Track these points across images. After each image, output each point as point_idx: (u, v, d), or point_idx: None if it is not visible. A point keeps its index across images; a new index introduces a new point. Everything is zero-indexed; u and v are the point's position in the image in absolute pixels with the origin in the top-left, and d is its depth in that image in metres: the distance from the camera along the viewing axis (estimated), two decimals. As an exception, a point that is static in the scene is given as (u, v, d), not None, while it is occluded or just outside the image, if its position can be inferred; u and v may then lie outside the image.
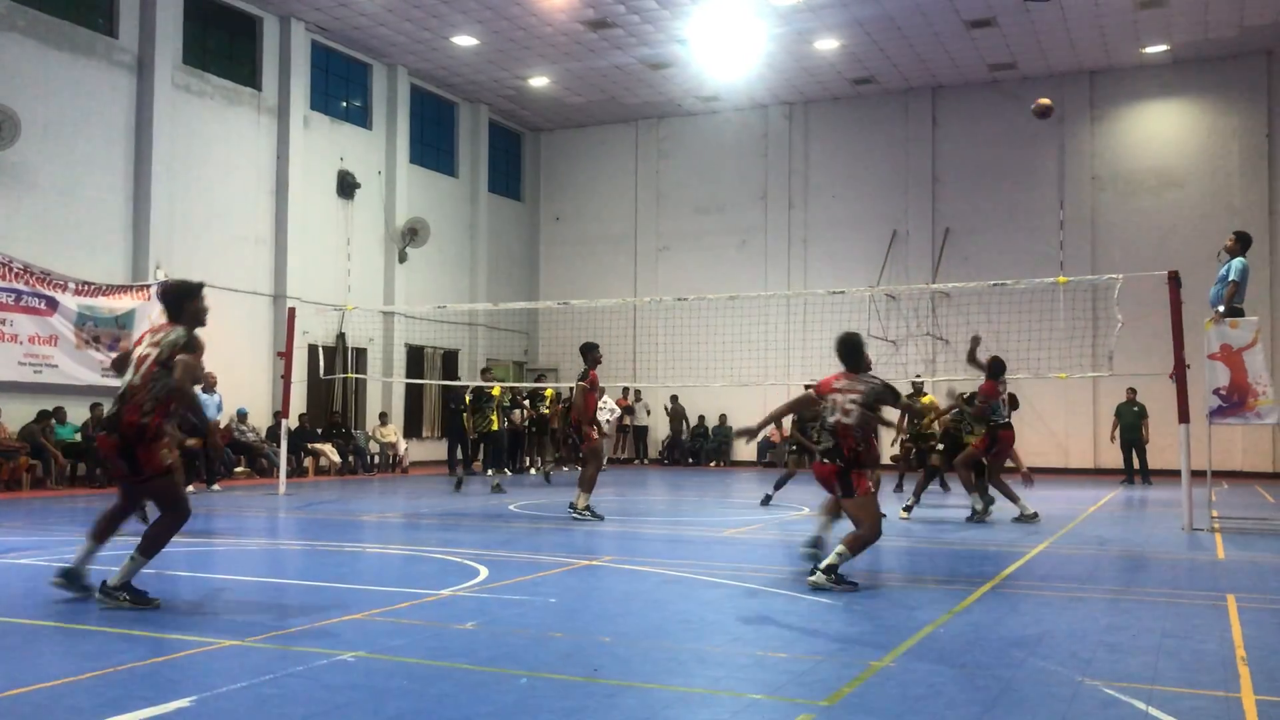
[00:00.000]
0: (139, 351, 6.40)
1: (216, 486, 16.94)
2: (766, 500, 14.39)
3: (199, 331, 6.52)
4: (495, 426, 17.72)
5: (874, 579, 8.28)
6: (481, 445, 19.26)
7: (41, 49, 17.48)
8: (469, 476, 17.58)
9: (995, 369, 12.80)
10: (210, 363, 19.68)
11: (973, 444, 12.86)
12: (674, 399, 27.07)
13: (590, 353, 12.48)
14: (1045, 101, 13.77)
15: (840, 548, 7.25)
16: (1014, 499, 12.53)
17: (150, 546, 6.38)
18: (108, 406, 6.78)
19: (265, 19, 21.57)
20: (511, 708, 4.17)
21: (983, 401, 12.77)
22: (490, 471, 18.26)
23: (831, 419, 7.44)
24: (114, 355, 7.00)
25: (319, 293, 22.24)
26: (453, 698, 4.31)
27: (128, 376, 6.35)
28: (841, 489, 7.37)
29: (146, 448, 6.25)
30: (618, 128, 28.95)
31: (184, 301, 6.52)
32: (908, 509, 13.08)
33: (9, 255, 16.61)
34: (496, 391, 17.83)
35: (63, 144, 17.75)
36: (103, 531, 6.65)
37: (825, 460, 7.40)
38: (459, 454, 20.74)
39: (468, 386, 23.73)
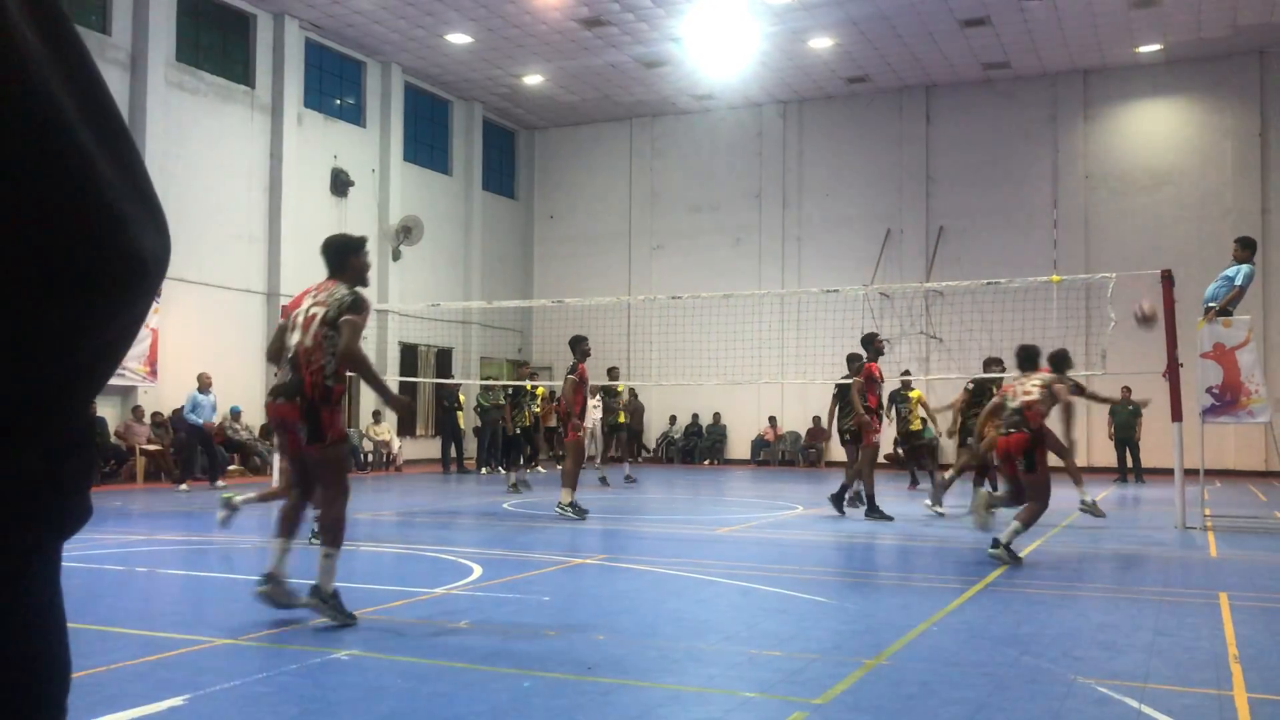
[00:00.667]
0: (303, 312, 6.05)
1: (221, 483, 16.95)
2: (938, 506, 12.96)
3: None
4: (622, 420, 17.77)
5: (867, 577, 8.29)
6: (491, 441, 19.38)
7: (34, 46, 17.42)
8: (516, 472, 17.26)
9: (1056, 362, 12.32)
10: (203, 361, 19.75)
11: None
12: (633, 393, 25.90)
13: (579, 345, 12.41)
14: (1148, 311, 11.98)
15: (1015, 523, 8.45)
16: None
17: (335, 535, 5.92)
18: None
19: (259, 16, 21.52)
20: (505, 706, 4.17)
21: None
22: (504, 469, 18.34)
23: (1016, 403, 9.23)
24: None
25: (313, 291, 22.19)
26: (446, 696, 4.31)
27: (295, 338, 5.99)
28: (1025, 464, 8.87)
29: (331, 411, 5.89)
30: (612, 126, 28.95)
31: (347, 256, 6.24)
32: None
33: (1, 253, 16.56)
34: (541, 391, 17.68)
35: (55, 141, 17.69)
36: (292, 526, 6.24)
37: (1012, 431, 9.06)
38: (498, 452, 21.01)
39: (460, 385, 23.81)
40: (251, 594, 5.89)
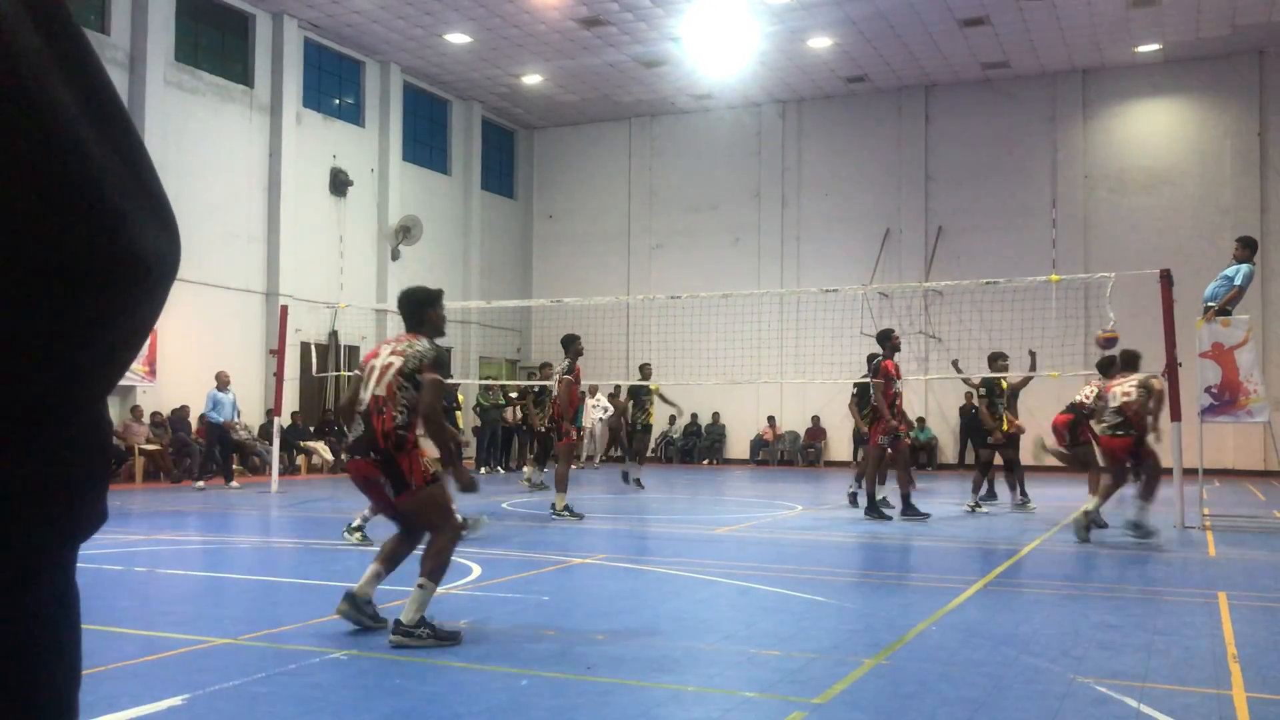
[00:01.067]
0: (379, 362, 5.94)
1: (235, 484, 16.99)
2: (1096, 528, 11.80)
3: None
4: (652, 420, 17.64)
5: (866, 577, 8.30)
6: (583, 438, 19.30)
7: (33, 45, 17.41)
8: (631, 467, 17.20)
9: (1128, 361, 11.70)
10: (203, 360, 19.74)
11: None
12: (616, 389, 25.94)
13: (572, 345, 12.27)
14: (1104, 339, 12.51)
15: (1140, 502, 10.16)
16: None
17: (436, 571, 5.64)
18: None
19: (258, 16, 21.51)
20: (504, 706, 4.17)
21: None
22: (502, 469, 18.33)
23: (1116, 404, 10.34)
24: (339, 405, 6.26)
25: (311, 290, 22.20)
26: (444, 696, 4.31)
27: (369, 390, 5.85)
28: (1133, 458, 10.17)
29: (409, 457, 5.69)
30: (611, 125, 28.94)
31: (425, 309, 6.18)
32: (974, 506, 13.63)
33: (0, 252, 16.55)
34: (655, 386, 17.36)
35: (54, 141, 17.68)
36: (391, 559, 5.98)
37: (1119, 434, 10.27)
38: (497, 451, 20.90)
39: (456, 384, 23.80)
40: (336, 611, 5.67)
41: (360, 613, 5.62)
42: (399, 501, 5.73)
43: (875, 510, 12.15)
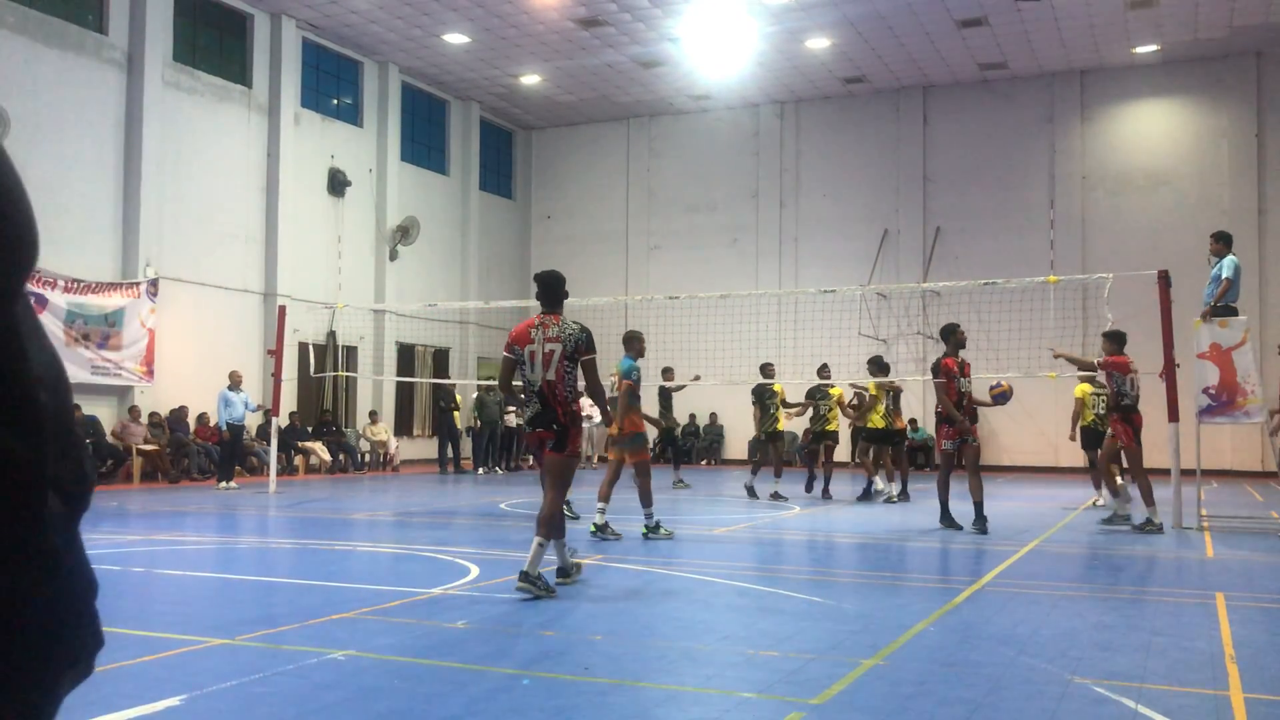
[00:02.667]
0: (539, 349, 6.89)
1: (234, 484, 16.98)
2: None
3: None
4: (781, 425, 15.70)
5: (864, 577, 8.30)
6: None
7: (31, 45, 17.41)
8: (757, 480, 15.90)
9: (1120, 339, 11.59)
10: (200, 361, 19.72)
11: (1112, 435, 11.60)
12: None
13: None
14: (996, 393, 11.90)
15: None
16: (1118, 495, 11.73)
17: (550, 529, 6.84)
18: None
19: (256, 16, 21.50)
20: (503, 706, 4.16)
21: (1112, 379, 11.48)
22: (500, 470, 18.22)
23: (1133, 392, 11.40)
24: (497, 390, 8.11)
25: (309, 291, 22.20)
26: (443, 696, 4.31)
27: (540, 374, 6.86)
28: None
29: (576, 430, 6.97)
30: (609, 126, 28.95)
31: (561, 289, 7.20)
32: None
33: (-2, 252, 16.53)
34: (778, 388, 15.61)
35: (52, 141, 17.68)
36: (559, 528, 7.03)
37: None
38: (495, 452, 20.80)
39: (453, 384, 23.80)
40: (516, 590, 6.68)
41: (535, 586, 6.62)
42: (549, 455, 6.96)
43: (949, 519, 11.18)
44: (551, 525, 6.84)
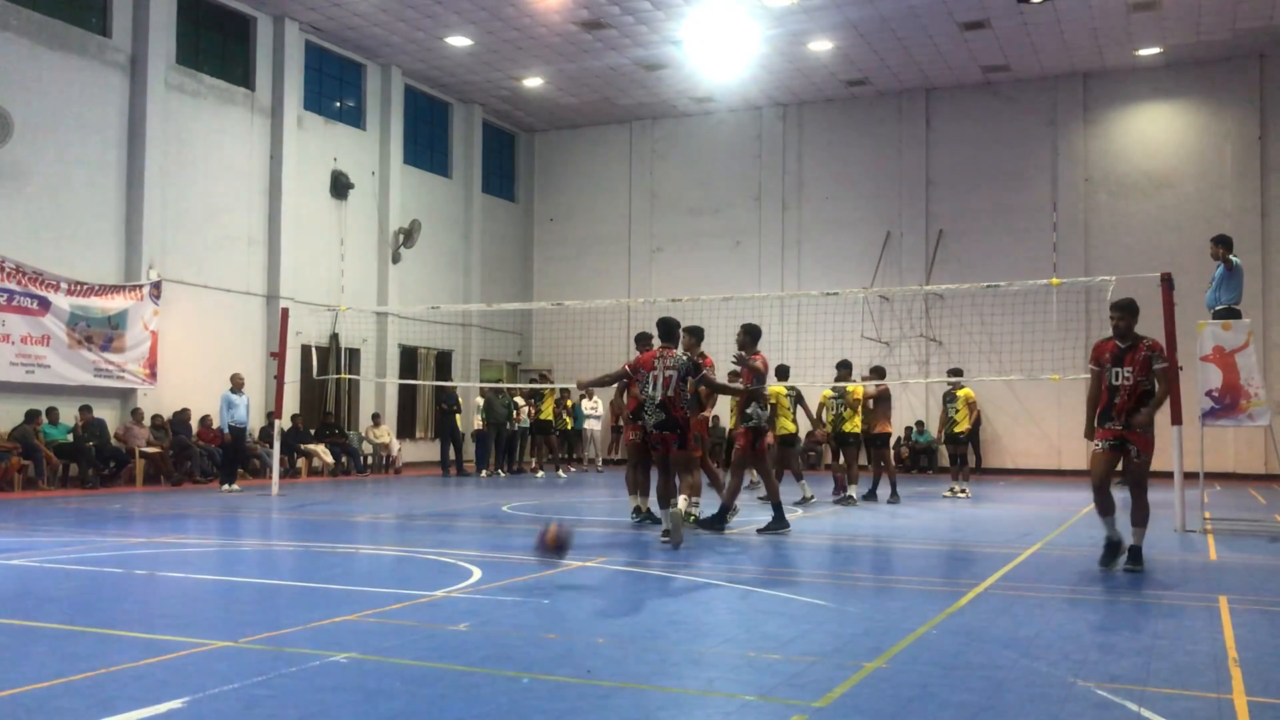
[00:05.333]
0: (661, 374, 9.52)
1: (237, 486, 17.01)
2: None
3: None
4: (858, 427, 15.49)
5: (866, 580, 8.29)
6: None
7: (34, 48, 17.44)
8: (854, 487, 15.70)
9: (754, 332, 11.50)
10: (203, 363, 19.75)
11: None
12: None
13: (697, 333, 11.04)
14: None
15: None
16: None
17: (695, 489, 10.44)
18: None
19: (259, 19, 21.54)
20: (504, 709, 4.16)
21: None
22: (502, 472, 18.12)
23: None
24: (639, 393, 9.92)
25: (312, 293, 22.22)
26: (446, 699, 4.31)
27: (660, 391, 9.50)
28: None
29: (690, 431, 9.74)
30: (612, 129, 28.96)
31: (676, 330, 9.96)
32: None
33: (1, 255, 16.57)
34: (779, 390, 15.25)
35: (55, 143, 17.71)
36: (665, 491, 9.59)
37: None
38: (499, 454, 20.67)
39: (455, 386, 23.81)
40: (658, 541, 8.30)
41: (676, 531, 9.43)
42: (675, 453, 9.62)
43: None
44: (695, 489, 10.64)
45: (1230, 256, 11.93)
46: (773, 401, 14.93)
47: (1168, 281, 12.03)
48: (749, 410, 10.63)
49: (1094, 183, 24.80)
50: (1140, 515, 8.39)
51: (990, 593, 7.22)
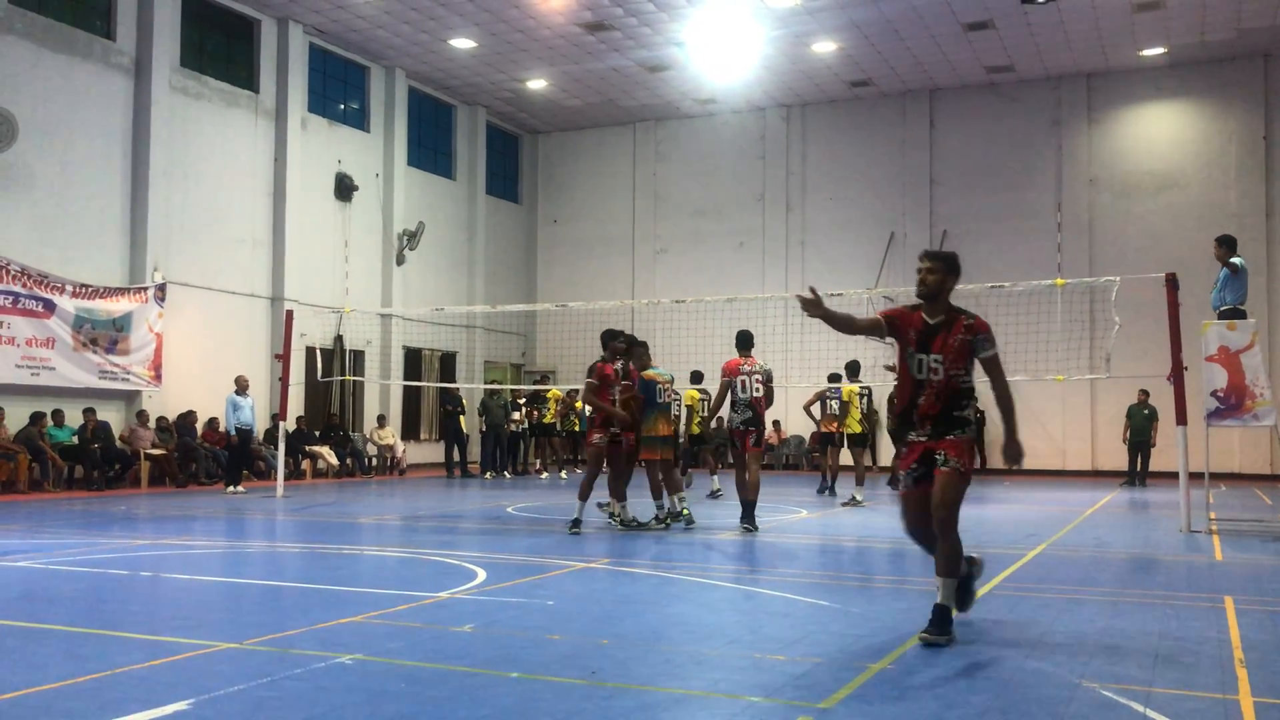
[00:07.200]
0: (749, 379, 11.04)
1: (242, 488, 17.04)
2: None
3: None
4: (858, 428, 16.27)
5: (871, 580, 8.29)
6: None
7: (38, 51, 17.48)
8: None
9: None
10: (208, 365, 19.77)
11: None
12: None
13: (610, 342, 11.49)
14: None
15: None
16: None
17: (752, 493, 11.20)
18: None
19: (263, 21, 21.57)
20: (509, 710, 4.17)
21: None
22: (508, 474, 18.08)
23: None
24: (744, 395, 11.11)
25: (316, 295, 22.24)
26: (451, 700, 4.31)
27: (748, 394, 11.05)
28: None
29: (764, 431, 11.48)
30: (615, 130, 28.97)
31: (752, 340, 11.35)
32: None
33: (6, 258, 16.61)
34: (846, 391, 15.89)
35: (60, 146, 17.75)
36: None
37: None
38: (502, 455, 20.67)
39: (459, 388, 23.82)
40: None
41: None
42: (751, 449, 11.08)
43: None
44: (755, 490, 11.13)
45: (1233, 260, 11.89)
46: (845, 400, 15.83)
47: (1172, 282, 12.02)
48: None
49: (1098, 183, 24.77)
50: (948, 559, 5.66)
51: (995, 593, 7.21)
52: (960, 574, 5.73)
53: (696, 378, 16.89)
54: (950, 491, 5.58)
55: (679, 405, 16.00)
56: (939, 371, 5.72)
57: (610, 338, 11.40)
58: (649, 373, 11.64)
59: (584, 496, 11.11)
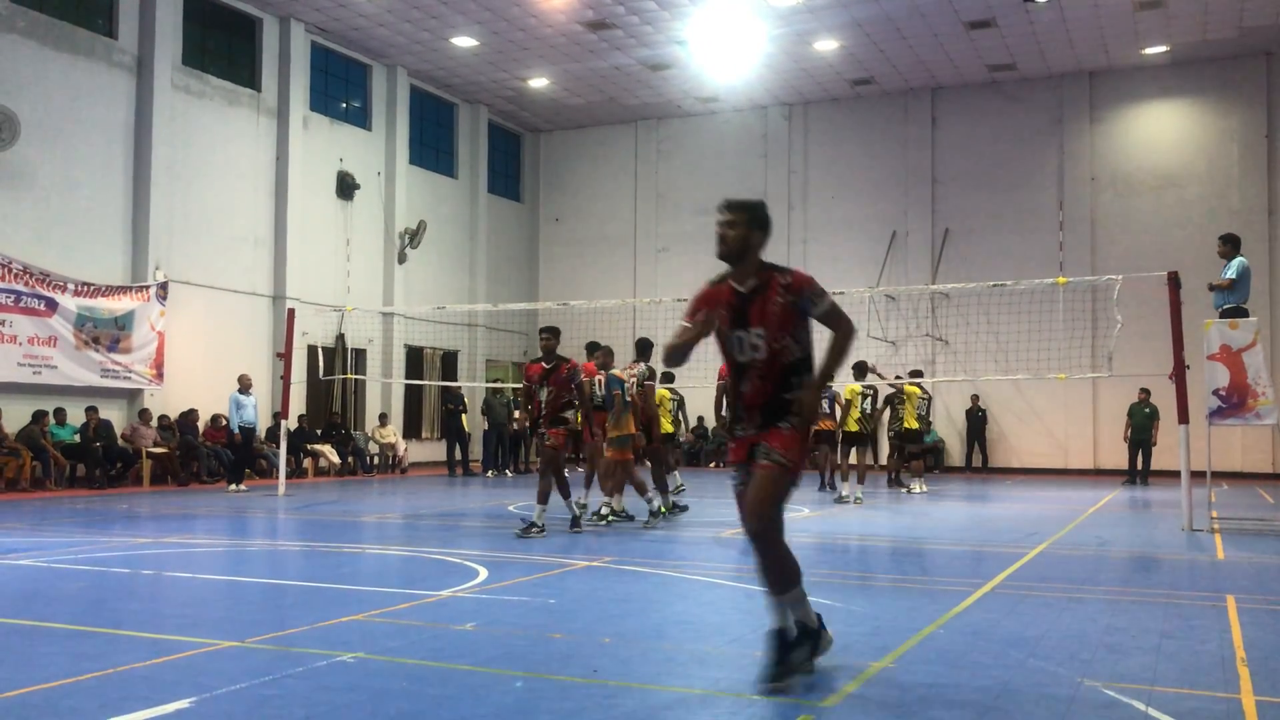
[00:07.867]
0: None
1: (244, 487, 17.05)
2: None
3: None
4: (914, 424, 17.13)
5: (872, 579, 8.29)
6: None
7: (41, 50, 17.49)
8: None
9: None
10: (209, 364, 19.78)
11: None
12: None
13: (649, 349, 12.58)
14: None
15: None
16: None
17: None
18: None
19: (265, 20, 21.57)
20: (511, 709, 4.17)
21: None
22: (509, 472, 18.10)
23: None
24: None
25: (318, 294, 22.25)
26: (452, 699, 4.31)
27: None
28: None
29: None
30: (617, 129, 28.96)
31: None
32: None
33: (8, 256, 16.62)
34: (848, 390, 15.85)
35: (62, 145, 17.76)
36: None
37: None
38: (504, 454, 20.71)
39: (461, 386, 23.83)
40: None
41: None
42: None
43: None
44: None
45: (1231, 264, 11.88)
46: (848, 399, 15.99)
47: (1174, 280, 12.01)
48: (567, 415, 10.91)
49: (1100, 181, 24.75)
50: (776, 574, 4.65)
51: (997, 592, 7.21)
52: (796, 585, 4.64)
53: (667, 378, 16.80)
54: (765, 490, 4.55)
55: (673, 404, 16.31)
56: (761, 348, 4.72)
57: (593, 348, 11.97)
58: (616, 371, 11.95)
59: (566, 495, 11.11)
